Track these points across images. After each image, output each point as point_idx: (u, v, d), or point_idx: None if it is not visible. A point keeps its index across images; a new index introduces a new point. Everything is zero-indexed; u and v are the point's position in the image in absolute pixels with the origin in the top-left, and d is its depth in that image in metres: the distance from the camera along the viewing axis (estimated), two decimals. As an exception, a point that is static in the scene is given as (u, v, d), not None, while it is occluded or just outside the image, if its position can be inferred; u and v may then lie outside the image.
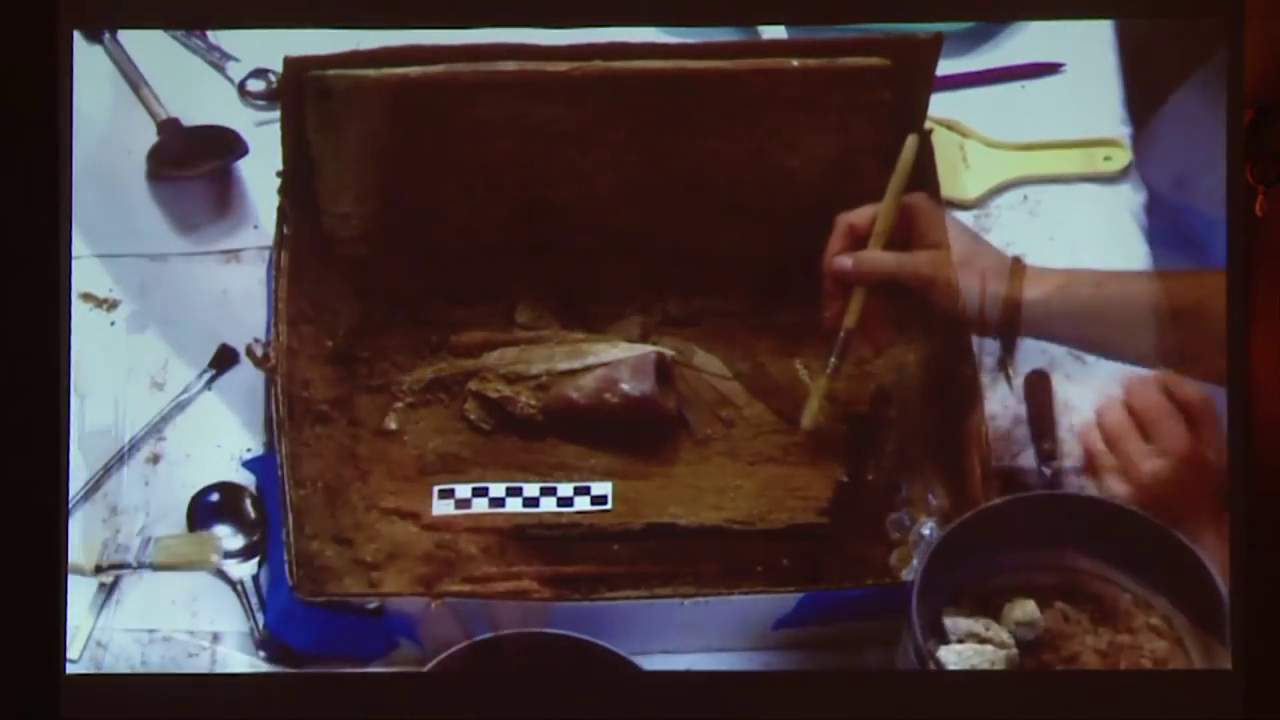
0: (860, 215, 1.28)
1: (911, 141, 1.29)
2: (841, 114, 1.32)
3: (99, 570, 1.26)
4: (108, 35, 1.47)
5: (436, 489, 1.30)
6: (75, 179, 1.28)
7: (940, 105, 1.38)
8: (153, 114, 1.47)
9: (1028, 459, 1.35)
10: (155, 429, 1.35)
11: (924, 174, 1.36)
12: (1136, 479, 1.23)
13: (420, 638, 1.24)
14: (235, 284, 1.41)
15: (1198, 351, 1.24)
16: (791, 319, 1.39)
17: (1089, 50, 1.52)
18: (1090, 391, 1.38)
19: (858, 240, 1.28)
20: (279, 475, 1.25)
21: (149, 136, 1.46)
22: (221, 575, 1.29)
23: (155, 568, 1.25)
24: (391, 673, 1.26)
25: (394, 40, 1.29)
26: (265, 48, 1.46)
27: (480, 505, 1.30)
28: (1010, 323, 1.29)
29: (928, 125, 1.37)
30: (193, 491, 1.31)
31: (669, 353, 1.35)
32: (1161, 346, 1.26)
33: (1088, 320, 1.26)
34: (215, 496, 1.31)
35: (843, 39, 1.31)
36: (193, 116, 1.47)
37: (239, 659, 1.26)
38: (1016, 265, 1.28)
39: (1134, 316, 1.26)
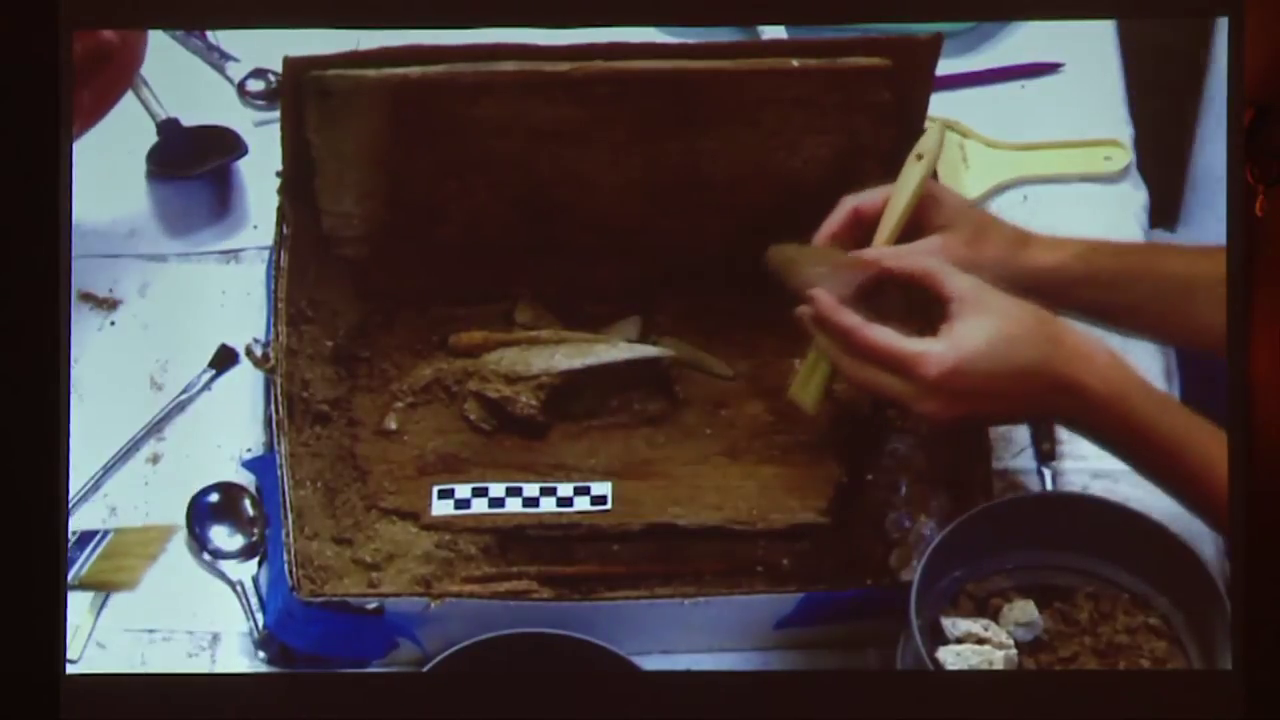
0: (869, 201, 1.24)
1: (938, 127, 1.25)
2: (841, 114, 1.32)
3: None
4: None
5: (436, 489, 1.30)
6: (75, 179, 1.28)
7: (940, 105, 1.38)
8: (152, 114, 1.47)
9: (1027, 459, 1.35)
10: (155, 429, 1.35)
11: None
12: None
13: (420, 638, 1.24)
14: (235, 284, 1.41)
15: (1211, 324, 1.23)
16: (792, 319, 1.39)
17: (1089, 50, 1.52)
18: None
19: (862, 228, 1.24)
20: (279, 475, 1.25)
21: (149, 136, 1.46)
22: (221, 575, 1.29)
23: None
24: (391, 673, 1.26)
25: (394, 40, 1.29)
26: (265, 48, 1.47)
27: (480, 505, 1.30)
28: (1026, 293, 1.24)
29: (928, 125, 1.37)
30: (193, 491, 1.31)
31: (669, 353, 1.35)
32: (1181, 319, 1.24)
33: (1109, 289, 1.23)
34: (215, 496, 1.31)
35: (843, 39, 1.31)
36: (192, 116, 1.47)
37: (239, 659, 1.26)
38: (1027, 235, 1.25)
39: (1156, 287, 1.24)
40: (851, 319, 1.17)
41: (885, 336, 1.15)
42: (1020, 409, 1.20)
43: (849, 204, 1.25)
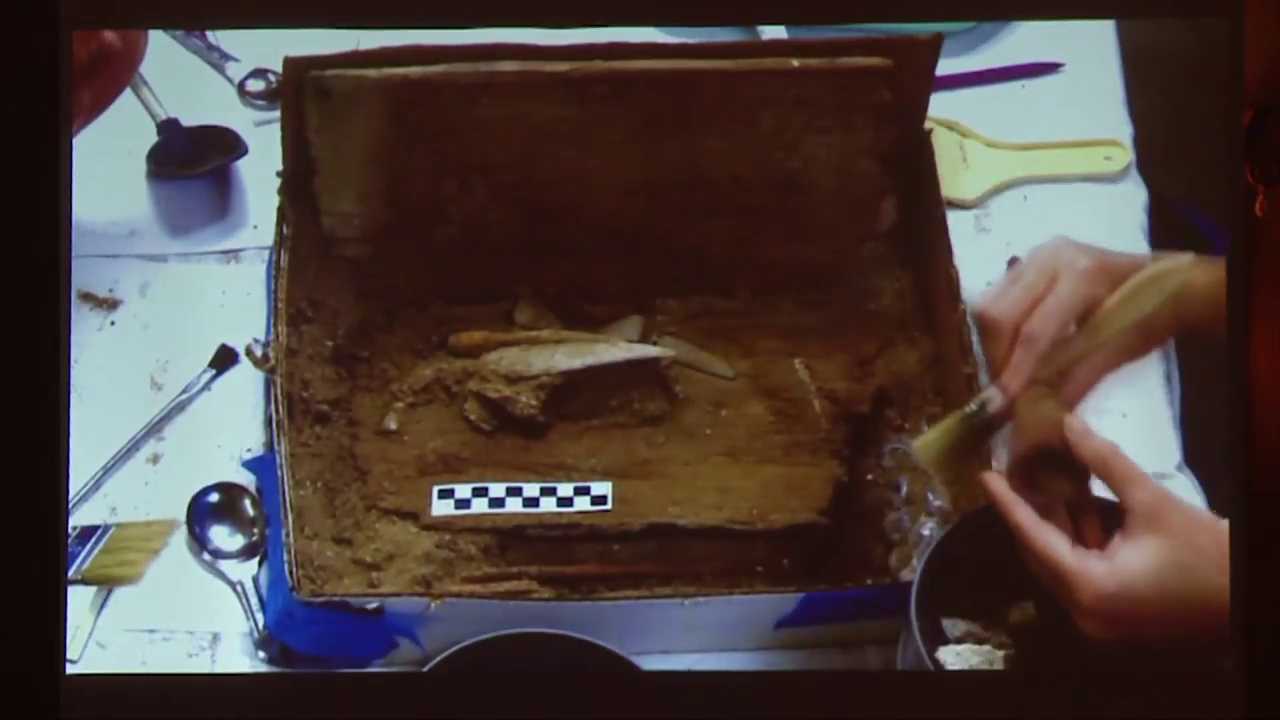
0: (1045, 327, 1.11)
1: (1187, 264, 1.12)
2: (841, 114, 1.32)
3: (98, 570, 1.26)
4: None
5: (436, 489, 1.30)
6: (75, 179, 1.28)
7: (940, 105, 1.38)
8: (152, 114, 1.47)
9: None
10: (155, 429, 1.35)
11: (924, 174, 1.36)
12: None
13: (420, 638, 1.23)
14: (235, 284, 1.41)
15: None
16: (792, 319, 1.39)
17: (1089, 50, 1.52)
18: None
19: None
20: (279, 475, 1.25)
21: (149, 136, 1.46)
22: (221, 575, 1.29)
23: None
24: (391, 673, 1.26)
25: (394, 40, 1.29)
26: (265, 48, 1.47)
27: (480, 505, 1.30)
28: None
29: (928, 125, 1.37)
30: (193, 491, 1.31)
31: (669, 353, 1.35)
32: None
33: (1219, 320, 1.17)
34: (215, 496, 1.31)
35: (843, 39, 1.31)
36: (192, 116, 1.47)
37: (239, 659, 1.26)
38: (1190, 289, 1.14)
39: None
40: (1021, 515, 1.09)
41: (1048, 545, 1.08)
42: (1192, 636, 1.11)
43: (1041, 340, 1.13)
